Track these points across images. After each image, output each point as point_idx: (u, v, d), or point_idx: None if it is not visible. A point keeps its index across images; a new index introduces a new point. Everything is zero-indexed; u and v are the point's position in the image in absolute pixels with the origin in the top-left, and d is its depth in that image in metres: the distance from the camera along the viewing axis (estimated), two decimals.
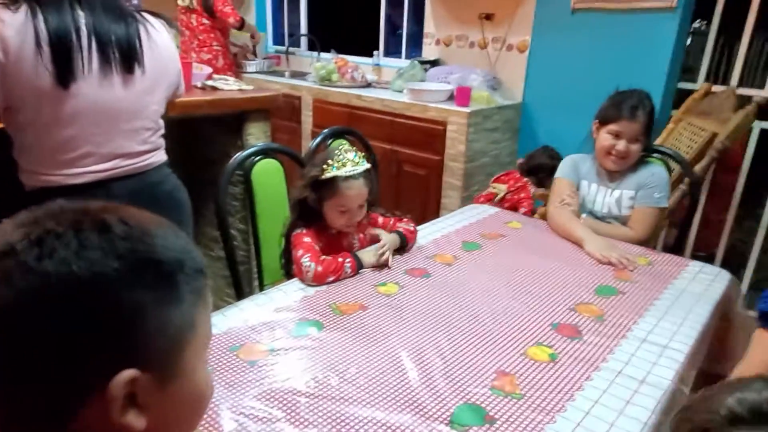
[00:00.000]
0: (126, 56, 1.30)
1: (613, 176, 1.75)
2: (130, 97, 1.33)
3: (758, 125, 2.65)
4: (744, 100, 2.49)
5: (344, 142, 2.02)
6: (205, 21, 3.69)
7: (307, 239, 1.41)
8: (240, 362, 1.03)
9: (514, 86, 3.22)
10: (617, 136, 1.68)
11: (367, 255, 1.44)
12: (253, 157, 1.67)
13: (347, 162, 1.41)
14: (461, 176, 2.95)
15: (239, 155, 1.63)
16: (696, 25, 3.06)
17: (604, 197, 1.75)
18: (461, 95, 2.90)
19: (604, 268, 1.49)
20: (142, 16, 1.36)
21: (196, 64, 2.25)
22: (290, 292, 1.31)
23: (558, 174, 1.82)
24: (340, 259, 1.38)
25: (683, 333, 1.18)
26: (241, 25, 3.78)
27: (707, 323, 1.26)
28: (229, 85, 2.06)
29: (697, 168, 2.41)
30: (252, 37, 4.06)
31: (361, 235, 1.55)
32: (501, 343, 1.13)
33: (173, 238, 0.53)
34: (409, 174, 3.16)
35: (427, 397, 0.95)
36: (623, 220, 1.74)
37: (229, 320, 1.17)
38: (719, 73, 2.98)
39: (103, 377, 0.45)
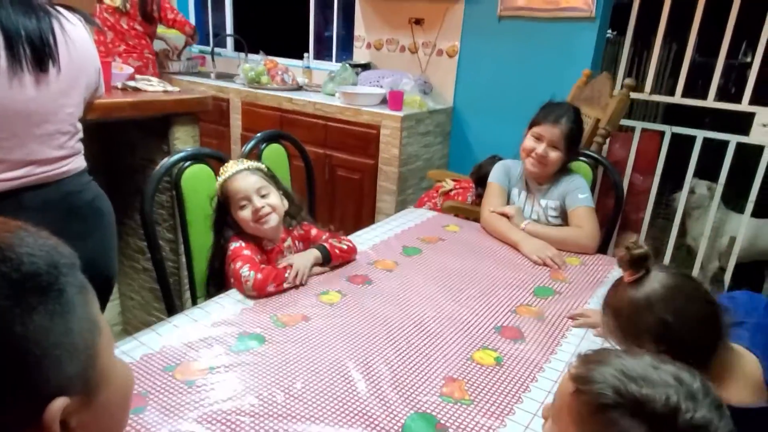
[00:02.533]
0: (38, 53, 1.18)
1: (538, 186, 1.80)
2: (43, 98, 1.21)
3: (670, 129, 2.84)
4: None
5: (279, 147, 1.97)
6: (137, 27, 3.49)
7: (246, 252, 1.36)
8: (177, 383, 0.96)
9: (444, 91, 3.27)
10: (539, 139, 1.73)
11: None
12: (182, 163, 1.58)
13: (229, 167, 1.44)
14: (395, 180, 2.96)
15: (167, 161, 1.54)
16: (608, 35, 3.23)
17: (533, 206, 1.80)
18: (394, 99, 2.91)
19: (540, 269, 1.53)
20: (56, 9, 1.25)
21: (115, 63, 2.11)
22: (228, 305, 1.24)
23: (491, 178, 1.86)
24: (281, 266, 1.33)
25: None
26: (194, 33, 3.67)
27: None
28: (153, 86, 1.94)
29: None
30: (190, 38, 3.87)
31: (297, 247, 1.51)
32: (447, 349, 1.12)
33: (34, 239, 0.46)
34: (343, 178, 3.13)
35: (377, 408, 0.93)
36: None
37: (162, 338, 1.09)
38: (638, 81, 3.15)
39: (32, 411, 0.42)
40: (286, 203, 1.49)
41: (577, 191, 1.75)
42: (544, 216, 1.79)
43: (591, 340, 1.19)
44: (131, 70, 2.04)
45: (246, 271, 1.28)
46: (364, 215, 3.08)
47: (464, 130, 3.28)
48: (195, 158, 1.60)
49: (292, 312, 1.22)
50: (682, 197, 2.90)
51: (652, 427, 0.57)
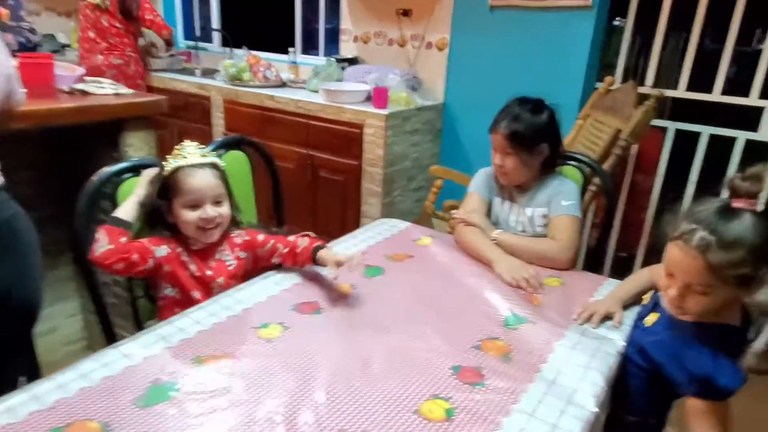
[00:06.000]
0: None
1: (522, 194, 1.63)
2: None
3: (673, 125, 2.64)
4: (645, 95, 2.46)
5: (240, 154, 1.81)
6: (118, 24, 3.37)
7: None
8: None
9: (434, 86, 3.10)
10: (494, 148, 1.57)
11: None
12: (121, 175, 1.44)
13: (190, 154, 1.32)
14: (381, 182, 2.80)
15: (102, 173, 1.40)
16: (616, 22, 3.02)
17: (518, 216, 1.63)
18: (378, 96, 2.74)
19: (514, 294, 1.36)
20: None
21: (65, 64, 1.96)
22: (150, 345, 1.09)
23: (470, 188, 1.69)
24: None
25: (593, 374, 1.06)
26: (170, 36, 3.56)
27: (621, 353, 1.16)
28: (103, 89, 1.80)
29: (605, 166, 2.35)
30: (167, 42, 3.76)
31: (237, 255, 1.37)
32: (391, 399, 0.96)
33: None
34: (326, 180, 2.98)
35: None
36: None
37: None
38: (637, 72, 2.96)
39: None
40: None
41: (562, 197, 1.57)
42: (531, 226, 1.61)
43: (560, 385, 1.02)
44: (82, 71, 1.90)
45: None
46: (348, 219, 2.93)
47: (456, 127, 3.10)
48: (135, 169, 1.46)
49: (218, 350, 1.07)
50: (687, 196, 2.70)
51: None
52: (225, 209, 1.35)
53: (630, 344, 1.17)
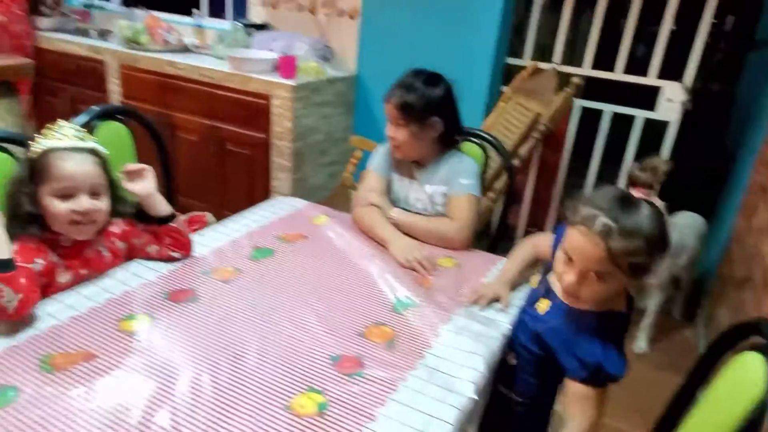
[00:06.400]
0: None
1: (420, 170, 1.59)
2: None
3: (579, 103, 2.69)
4: (566, 79, 2.50)
5: (120, 126, 1.65)
6: None
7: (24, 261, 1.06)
8: None
9: (347, 57, 2.99)
10: (388, 119, 1.52)
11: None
12: None
13: (66, 136, 1.14)
14: (290, 156, 2.68)
15: None
16: None
17: (417, 193, 1.58)
18: (286, 66, 2.60)
19: (406, 276, 1.32)
20: None
21: None
22: None
23: (369, 165, 1.63)
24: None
25: (475, 359, 1.04)
26: None
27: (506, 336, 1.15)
28: None
29: (523, 149, 2.38)
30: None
31: (115, 246, 1.24)
32: (261, 395, 0.90)
33: None
34: (233, 153, 2.82)
35: None
36: None
37: None
38: (546, 50, 2.99)
39: None
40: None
41: (461, 176, 1.54)
42: (431, 204, 1.58)
43: (443, 372, 1.00)
44: None
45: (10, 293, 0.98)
46: (257, 195, 2.79)
47: (369, 100, 3.02)
48: None
49: (73, 348, 0.96)
50: (590, 173, 2.79)
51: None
52: (103, 204, 1.16)
53: (521, 330, 1.17)
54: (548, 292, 1.15)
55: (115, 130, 1.62)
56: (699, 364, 0.97)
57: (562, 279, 1.02)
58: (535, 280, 1.25)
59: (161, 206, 1.26)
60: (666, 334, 2.40)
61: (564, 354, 1.07)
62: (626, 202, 0.95)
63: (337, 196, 2.70)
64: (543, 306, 1.15)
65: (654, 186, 1.00)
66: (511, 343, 1.17)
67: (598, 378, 1.03)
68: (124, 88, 3.09)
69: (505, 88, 2.68)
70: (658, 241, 0.94)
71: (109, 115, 1.62)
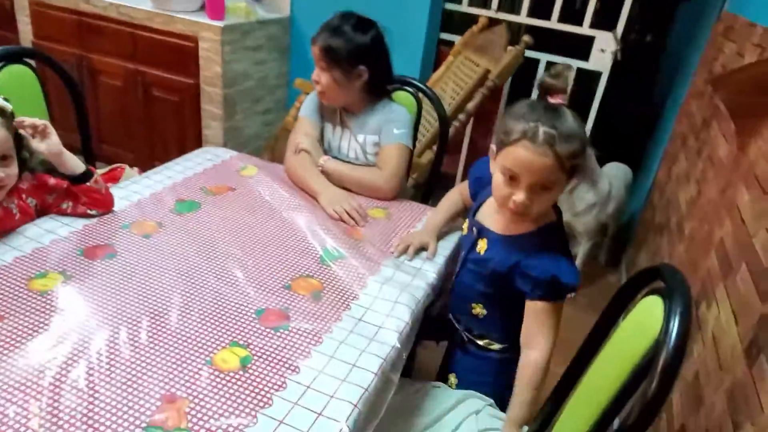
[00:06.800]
0: None
1: (352, 119, 1.55)
2: None
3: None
4: (516, 36, 2.51)
5: (26, 70, 1.52)
6: None
7: None
8: None
9: None
10: (315, 62, 1.47)
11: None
12: None
13: None
14: (221, 103, 2.58)
15: None
16: None
17: (349, 142, 1.56)
18: (213, 5, 2.46)
19: (336, 227, 1.31)
20: None
21: None
22: None
23: (301, 112, 1.58)
24: None
25: (400, 308, 1.06)
26: None
27: (435, 284, 1.18)
28: None
29: (470, 105, 2.38)
30: None
31: (24, 202, 1.16)
32: (181, 353, 0.89)
33: None
34: (161, 100, 2.68)
35: None
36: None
37: None
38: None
39: None
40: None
41: (393, 125, 1.52)
42: (363, 154, 1.56)
43: (367, 322, 1.01)
44: None
45: None
46: (188, 144, 2.68)
47: (305, 45, 2.89)
48: None
49: None
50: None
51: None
52: (12, 169, 1.08)
53: (473, 279, 1.16)
54: (480, 232, 1.15)
55: (19, 74, 1.48)
56: (609, 306, 1.02)
57: (510, 201, 1.00)
58: (466, 226, 1.26)
59: (73, 163, 1.18)
60: (591, 280, 2.54)
61: (518, 280, 1.08)
62: (554, 110, 0.97)
63: (279, 141, 2.63)
64: (482, 246, 1.15)
65: (566, 90, 1.01)
66: (473, 297, 1.18)
67: (556, 291, 1.05)
68: (34, 26, 2.85)
69: (456, 40, 2.65)
70: (586, 140, 0.98)
71: (12, 57, 1.48)
